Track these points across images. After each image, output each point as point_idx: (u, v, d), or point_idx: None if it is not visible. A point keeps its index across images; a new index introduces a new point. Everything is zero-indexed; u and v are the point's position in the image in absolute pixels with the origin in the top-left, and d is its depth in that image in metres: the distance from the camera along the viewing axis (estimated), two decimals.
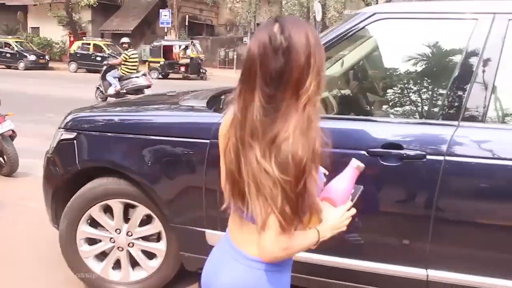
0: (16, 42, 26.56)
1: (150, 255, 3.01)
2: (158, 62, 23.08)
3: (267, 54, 1.18)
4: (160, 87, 11.39)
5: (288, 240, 1.25)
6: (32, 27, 32.45)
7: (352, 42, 2.60)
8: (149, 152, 2.73)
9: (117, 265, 3.04)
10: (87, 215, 2.94)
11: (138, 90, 10.61)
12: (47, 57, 26.55)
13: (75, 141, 2.94)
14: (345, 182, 1.46)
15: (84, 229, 2.98)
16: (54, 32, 30.08)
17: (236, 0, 29.99)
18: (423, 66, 2.58)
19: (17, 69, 25.05)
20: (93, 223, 3.00)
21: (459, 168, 2.16)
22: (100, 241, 3.02)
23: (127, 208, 2.97)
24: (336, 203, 1.43)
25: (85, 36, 28.62)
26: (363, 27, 2.41)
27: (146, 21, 29.77)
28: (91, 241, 3.04)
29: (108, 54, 24.28)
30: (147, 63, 23.64)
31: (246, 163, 1.24)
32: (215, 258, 1.48)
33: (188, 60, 23.13)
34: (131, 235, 2.96)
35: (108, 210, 2.97)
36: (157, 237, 2.96)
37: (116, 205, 2.92)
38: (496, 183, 2.17)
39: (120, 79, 11.05)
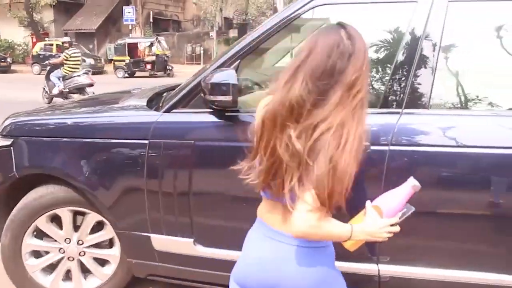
0: None
1: (103, 262, 2.91)
2: (124, 61, 22.70)
3: (334, 55, 1.36)
4: (125, 86, 11.18)
5: (317, 219, 1.36)
6: None
7: (292, 30, 2.52)
8: (88, 156, 2.62)
9: (67, 276, 2.91)
10: (33, 227, 2.80)
11: (81, 89, 10.67)
12: (8, 59, 25.84)
13: (12, 148, 2.79)
14: (398, 198, 1.53)
15: (30, 242, 2.83)
16: (15, 33, 29.29)
17: None
18: None
19: None
20: (39, 234, 2.86)
21: (404, 157, 2.11)
22: (47, 253, 2.89)
23: (75, 215, 2.86)
24: (382, 214, 1.50)
25: (47, 37, 27.97)
26: (302, 14, 2.33)
27: (110, 19, 29.24)
28: (37, 254, 2.90)
29: (54, 53, 23.79)
30: (112, 62, 23.24)
31: (281, 142, 1.38)
32: (261, 250, 1.55)
33: (154, 58, 22.78)
34: (82, 243, 2.85)
35: (54, 219, 2.84)
36: (110, 243, 2.86)
37: (65, 213, 2.80)
38: (443, 170, 2.12)
39: (63, 78, 11.02)
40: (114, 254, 2.84)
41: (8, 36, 29.83)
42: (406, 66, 2.17)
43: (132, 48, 23.30)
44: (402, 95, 2.16)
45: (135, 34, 26.87)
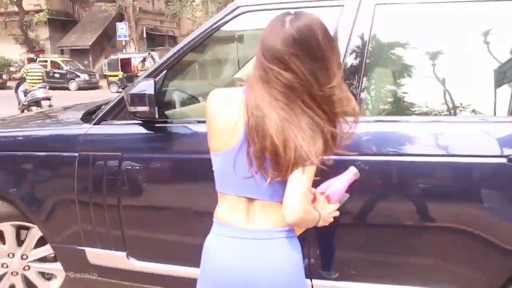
0: None
1: (49, 277, 2.88)
2: (117, 76, 22.79)
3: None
4: None
5: (309, 204, 1.41)
6: None
7: (218, 40, 2.52)
8: (20, 169, 2.62)
9: None
10: None
11: (37, 102, 11.20)
12: (4, 76, 25.96)
13: None
14: (342, 185, 1.61)
15: None
16: (12, 51, 29.43)
17: (195, 10, 29.88)
18: None
19: None
20: None
21: None
22: None
23: (19, 230, 2.84)
24: (330, 200, 1.56)
25: (43, 54, 28.13)
26: (226, 23, 2.30)
27: (105, 35, 29.40)
28: None
29: (66, 70, 24.01)
30: (106, 77, 23.35)
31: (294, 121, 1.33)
32: (240, 256, 1.46)
33: None
34: (27, 257, 2.83)
35: None
36: (55, 257, 2.83)
37: (8, 228, 2.78)
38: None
39: (26, 92, 11.68)
40: (59, 268, 2.80)
41: (5, 54, 29.99)
42: None
43: (126, 64, 23.38)
44: None
45: (129, 50, 26.99)
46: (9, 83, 25.92)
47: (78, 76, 24.09)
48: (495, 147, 1.91)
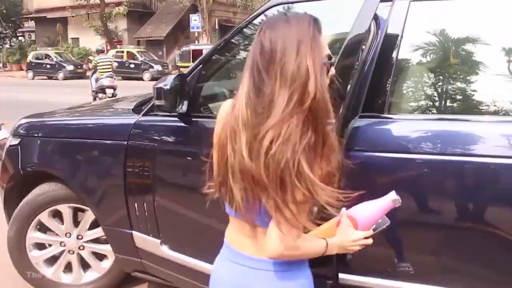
0: (56, 53, 27.61)
1: (101, 257, 3.08)
2: (188, 67, 23.27)
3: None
4: None
5: (293, 240, 1.24)
6: (72, 38, 33.55)
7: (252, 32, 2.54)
8: (75, 155, 2.82)
9: (68, 268, 3.11)
10: (36, 221, 3.02)
11: (103, 89, 12.44)
12: (84, 66, 27.42)
13: (19, 147, 3.04)
14: (375, 211, 1.44)
15: (34, 235, 3.05)
16: (92, 41, 30.89)
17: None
18: None
19: (57, 79, 26.02)
20: (43, 228, 3.07)
21: None
22: (50, 245, 3.10)
23: (77, 212, 3.05)
24: (357, 227, 1.41)
25: (120, 44, 29.37)
26: (259, 15, 2.34)
27: (179, 26, 30.17)
28: (41, 246, 3.11)
29: (141, 61, 24.93)
30: (178, 68, 24.00)
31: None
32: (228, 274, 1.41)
33: None
34: (82, 238, 3.03)
35: (57, 214, 3.04)
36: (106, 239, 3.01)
37: (66, 210, 3.00)
38: None
39: (97, 80, 12.95)
40: (111, 249, 2.98)
41: (86, 44, 31.63)
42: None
43: (197, 55, 23.73)
44: None
45: (202, 41, 27.55)
46: (88, 73, 27.40)
47: (152, 67, 24.93)
48: None
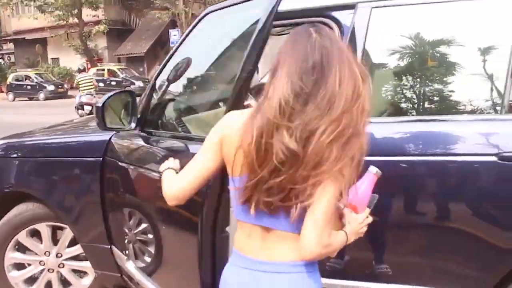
0: (36, 74, 27.42)
1: (81, 274, 3.08)
2: None
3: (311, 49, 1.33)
4: None
5: (328, 237, 1.30)
6: (52, 58, 33.39)
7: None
8: (50, 174, 2.83)
9: (48, 287, 3.09)
10: (15, 241, 3.01)
11: (82, 106, 13.36)
12: (66, 86, 27.26)
13: None
14: (365, 190, 1.49)
15: (12, 255, 3.05)
16: (73, 61, 30.79)
17: None
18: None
19: (38, 99, 25.81)
20: (21, 248, 3.06)
21: None
22: (29, 265, 3.08)
23: (55, 230, 3.05)
24: (357, 210, 1.47)
25: (101, 62, 29.31)
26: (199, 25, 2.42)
27: (159, 42, 30.19)
28: (20, 266, 3.10)
29: (122, 78, 24.91)
30: None
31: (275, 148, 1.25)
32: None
33: None
34: (61, 256, 3.03)
35: (36, 233, 3.03)
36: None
37: (44, 229, 3.00)
38: None
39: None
40: (90, 266, 2.98)
41: (67, 64, 31.49)
42: None
43: None
44: None
45: None
46: (69, 92, 27.24)
47: (133, 83, 24.89)
48: None
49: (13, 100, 26.75)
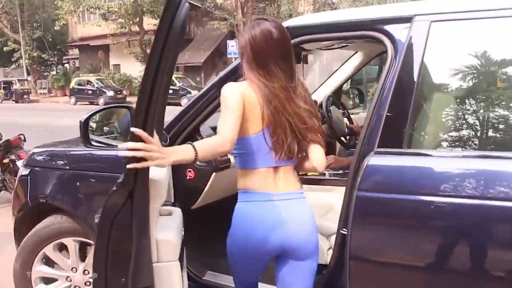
0: (97, 79, 28.37)
1: None
2: None
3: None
4: None
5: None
6: (113, 64, 34.46)
7: None
8: (80, 187, 2.72)
9: None
10: (42, 254, 2.91)
11: None
12: (124, 92, 28.02)
13: (28, 178, 2.96)
14: None
15: (39, 269, 2.94)
16: (133, 67, 31.68)
17: None
18: None
19: (98, 104, 26.65)
20: (49, 262, 2.95)
21: None
22: (56, 280, 2.97)
23: (85, 246, 2.92)
24: None
25: None
26: None
27: (217, 52, 30.53)
28: (47, 280, 2.99)
29: (179, 86, 25.30)
30: None
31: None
32: (280, 212, 1.80)
33: None
34: (88, 273, 2.89)
35: (64, 247, 2.92)
36: None
37: (71, 243, 2.88)
38: None
39: None
40: None
41: (127, 70, 32.41)
42: None
43: None
44: None
45: None
46: (128, 98, 27.98)
47: (190, 92, 25.20)
48: None
49: (75, 104, 27.78)
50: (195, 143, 1.61)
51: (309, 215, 1.85)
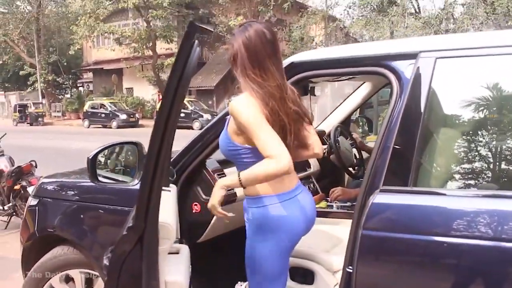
0: (110, 102, 28.68)
1: None
2: None
3: None
4: None
5: None
6: (126, 88, 34.86)
7: None
8: (85, 219, 2.70)
9: None
10: (48, 286, 2.89)
11: None
12: (137, 115, 28.26)
13: (36, 208, 2.97)
14: None
15: None
16: (146, 91, 32.03)
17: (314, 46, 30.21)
18: None
19: (111, 128, 26.89)
20: None
21: None
22: None
23: (91, 277, 2.90)
24: None
25: None
26: None
27: (229, 76, 30.58)
28: None
29: (191, 110, 25.44)
30: None
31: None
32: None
33: None
34: None
35: (71, 279, 2.91)
36: None
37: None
38: None
39: None
40: None
41: (140, 94, 32.75)
42: None
43: None
44: None
45: None
46: (141, 121, 28.20)
47: (201, 116, 25.32)
48: None
49: (88, 127, 28.07)
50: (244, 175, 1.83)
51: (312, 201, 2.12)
